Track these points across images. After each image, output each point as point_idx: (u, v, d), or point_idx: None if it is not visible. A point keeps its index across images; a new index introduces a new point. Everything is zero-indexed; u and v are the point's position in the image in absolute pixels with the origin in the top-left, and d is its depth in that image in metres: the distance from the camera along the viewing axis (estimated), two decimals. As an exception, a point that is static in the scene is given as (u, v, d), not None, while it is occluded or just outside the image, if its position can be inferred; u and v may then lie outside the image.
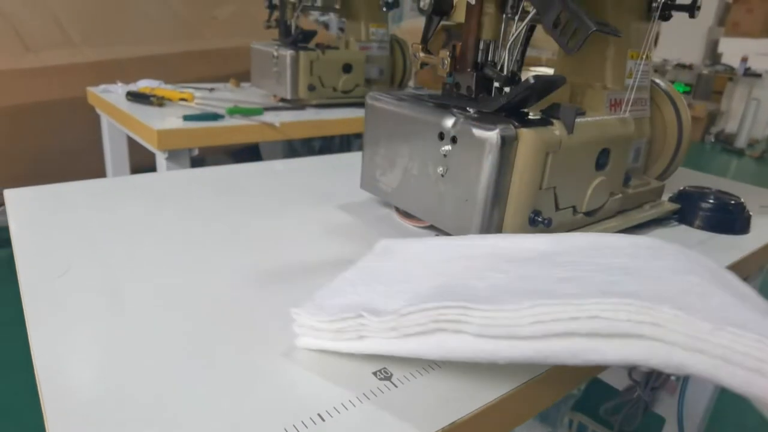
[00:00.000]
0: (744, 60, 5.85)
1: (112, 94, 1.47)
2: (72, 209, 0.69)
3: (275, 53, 1.45)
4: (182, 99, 1.39)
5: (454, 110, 0.60)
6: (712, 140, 6.12)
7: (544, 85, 0.55)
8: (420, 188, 0.65)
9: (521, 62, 0.64)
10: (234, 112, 1.30)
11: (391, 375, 0.41)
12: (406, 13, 6.42)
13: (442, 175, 0.61)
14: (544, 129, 0.57)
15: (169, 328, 0.45)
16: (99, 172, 1.97)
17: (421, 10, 0.59)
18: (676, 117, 0.84)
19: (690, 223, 0.81)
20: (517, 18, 0.58)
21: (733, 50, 6.09)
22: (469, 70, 0.58)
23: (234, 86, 1.77)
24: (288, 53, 1.42)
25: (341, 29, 1.65)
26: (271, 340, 0.44)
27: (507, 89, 0.60)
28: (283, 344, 0.43)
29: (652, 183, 0.82)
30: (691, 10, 0.74)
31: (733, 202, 0.81)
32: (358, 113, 1.52)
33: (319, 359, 0.42)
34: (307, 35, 1.47)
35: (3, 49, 2.40)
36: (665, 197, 0.86)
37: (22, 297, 0.49)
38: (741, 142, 5.82)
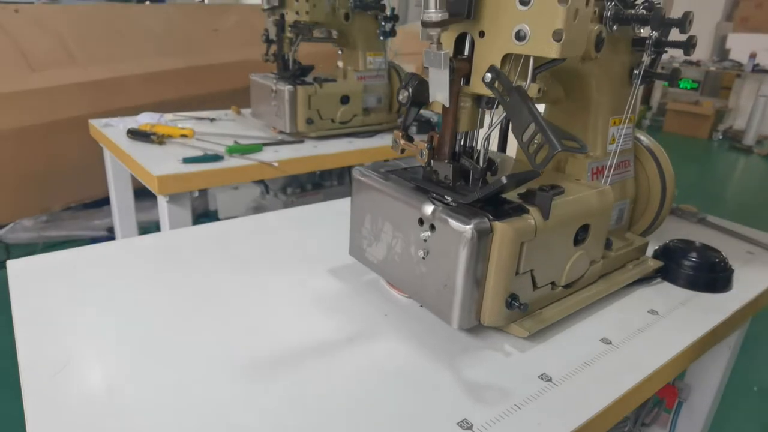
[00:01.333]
0: (753, 56, 5.77)
1: (113, 129, 1.50)
2: (73, 284, 0.72)
3: (274, 87, 1.48)
4: (183, 135, 1.42)
5: (434, 196, 0.63)
6: (720, 137, 6.06)
7: (517, 183, 0.57)
8: (403, 266, 0.67)
9: (504, 143, 0.66)
10: (233, 151, 1.32)
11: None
12: (411, 10, 6.39)
13: (423, 258, 0.63)
14: (519, 219, 0.59)
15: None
16: (103, 189, 1.98)
17: (400, 103, 0.61)
18: (659, 172, 0.85)
19: (673, 281, 0.83)
20: (493, 110, 0.60)
21: (741, 46, 6.01)
22: (446, 161, 0.61)
23: (235, 113, 1.80)
24: (286, 88, 1.44)
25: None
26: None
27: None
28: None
29: (635, 242, 0.84)
30: (671, 79, 0.75)
31: (716, 259, 0.83)
32: (356, 144, 1.54)
33: None
34: (305, 70, 1.49)
35: (8, 71, 2.44)
36: (651, 248, 0.88)
37: (23, 398, 0.52)
38: (749, 140, 5.76)
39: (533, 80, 0.56)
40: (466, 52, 0.58)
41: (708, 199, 4.18)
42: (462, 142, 0.62)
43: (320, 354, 0.61)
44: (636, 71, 0.77)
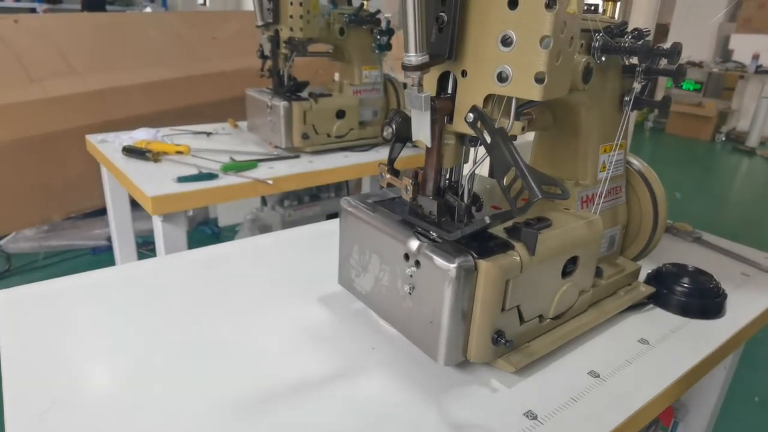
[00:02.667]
0: (756, 57, 5.74)
1: (109, 145, 1.50)
2: (61, 316, 0.72)
3: (269, 103, 1.47)
4: (178, 152, 1.42)
5: (420, 231, 0.62)
6: (723, 139, 6.03)
7: (502, 220, 0.57)
8: (390, 299, 0.67)
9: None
10: (228, 168, 1.32)
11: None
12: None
13: (409, 293, 0.63)
14: (504, 256, 0.59)
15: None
16: (103, 198, 1.97)
17: (385, 139, 0.60)
18: (651, 196, 0.85)
19: (665, 307, 0.82)
20: (477, 147, 0.59)
21: (744, 47, 5.98)
22: (431, 197, 0.60)
23: (232, 127, 1.80)
24: (281, 104, 1.44)
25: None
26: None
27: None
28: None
29: (627, 267, 0.83)
30: (662, 106, 0.75)
31: (709, 285, 0.82)
32: (351, 158, 1.54)
33: None
34: (300, 85, 1.49)
35: (8, 82, 2.45)
36: (645, 270, 0.87)
37: (7, 441, 0.52)
38: (752, 141, 5.73)
39: (517, 118, 0.55)
40: (450, 90, 0.57)
41: (711, 202, 4.16)
42: (447, 176, 0.62)
43: (307, 390, 0.61)
44: (626, 98, 0.76)
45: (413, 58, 0.49)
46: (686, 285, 0.82)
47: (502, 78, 0.51)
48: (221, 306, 0.77)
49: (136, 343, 0.67)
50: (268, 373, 0.63)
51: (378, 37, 1.58)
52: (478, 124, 0.54)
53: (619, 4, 0.79)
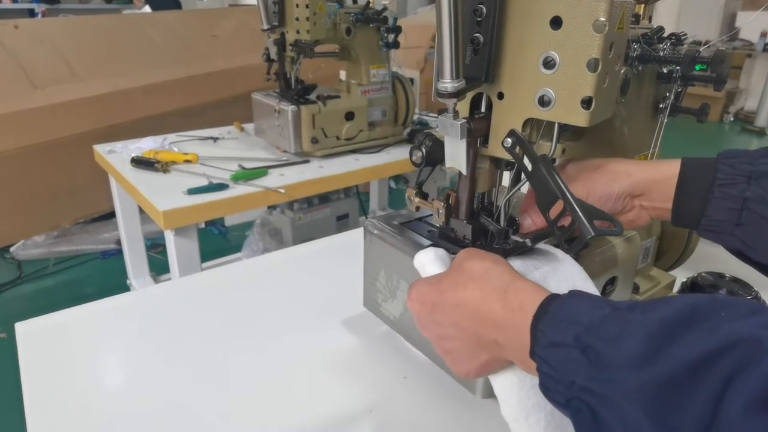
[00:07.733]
0: (764, 35, 5.63)
1: (117, 156, 1.47)
2: (79, 347, 0.70)
3: (277, 107, 1.44)
4: (187, 161, 1.39)
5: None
6: (731, 119, 5.94)
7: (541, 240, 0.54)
8: (422, 328, 0.64)
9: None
10: (239, 178, 1.29)
11: None
12: (411, 1, 6.29)
13: (443, 323, 0.60)
14: (545, 286, 0.55)
15: None
16: (112, 202, 1.94)
17: (414, 164, 0.57)
18: (687, 204, 0.81)
19: (702, 320, 0.79)
20: (513, 171, 0.56)
21: (751, 24, 5.86)
22: (464, 221, 0.57)
23: (238, 130, 1.76)
24: (289, 109, 1.40)
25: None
26: None
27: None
28: None
29: (662, 280, 0.80)
30: (700, 114, 0.71)
31: (748, 296, 0.79)
32: (362, 161, 1.51)
33: None
34: (308, 88, 1.45)
35: (12, 89, 2.41)
36: (680, 279, 0.84)
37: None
38: (762, 121, 5.64)
39: (558, 141, 0.52)
40: (483, 109, 0.54)
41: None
42: (480, 198, 0.59)
43: (339, 426, 0.58)
44: (662, 105, 0.73)
45: (449, 84, 0.45)
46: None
47: (543, 102, 0.48)
48: (240, 333, 0.74)
49: (153, 374, 0.65)
50: (292, 410, 0.61)
51: (385, 34, 1.54)
52: (517, 149, 0.50)
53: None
